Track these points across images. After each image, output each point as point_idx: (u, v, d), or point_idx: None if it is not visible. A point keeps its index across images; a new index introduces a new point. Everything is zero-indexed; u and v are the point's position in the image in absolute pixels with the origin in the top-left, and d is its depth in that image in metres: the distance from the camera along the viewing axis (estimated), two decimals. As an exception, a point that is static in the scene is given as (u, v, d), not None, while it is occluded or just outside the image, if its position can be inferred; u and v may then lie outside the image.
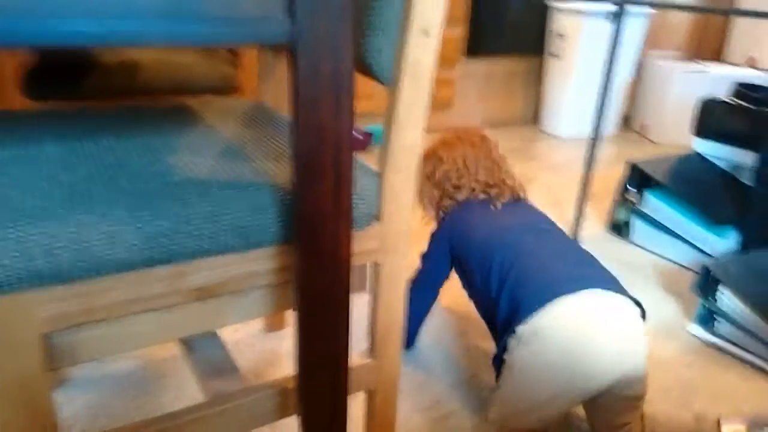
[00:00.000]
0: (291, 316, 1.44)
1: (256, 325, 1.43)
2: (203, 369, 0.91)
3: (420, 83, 0.77)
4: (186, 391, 1.20)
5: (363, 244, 0.81)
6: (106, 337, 0.68)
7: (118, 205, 0.63)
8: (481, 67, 3.27)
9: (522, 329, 1.00)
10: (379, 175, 0.81)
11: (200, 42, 0.56)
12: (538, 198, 2.35)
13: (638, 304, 1.04)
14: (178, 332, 0.72)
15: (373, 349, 0.91)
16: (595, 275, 1.05)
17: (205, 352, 0.95)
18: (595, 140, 1.82)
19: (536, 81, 3.49)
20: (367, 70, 0.78)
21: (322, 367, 0.76)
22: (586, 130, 3.29)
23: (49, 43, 0.50)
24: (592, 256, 1.12)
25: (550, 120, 3.34)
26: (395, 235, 0.84)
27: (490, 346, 1.40)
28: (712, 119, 1.87)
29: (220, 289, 0.72)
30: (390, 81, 0.78)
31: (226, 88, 1.43)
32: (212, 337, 0.99)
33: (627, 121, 3.57)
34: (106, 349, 0.69)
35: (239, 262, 0.72)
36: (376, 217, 0.81)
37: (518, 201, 1.27)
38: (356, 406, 1.14)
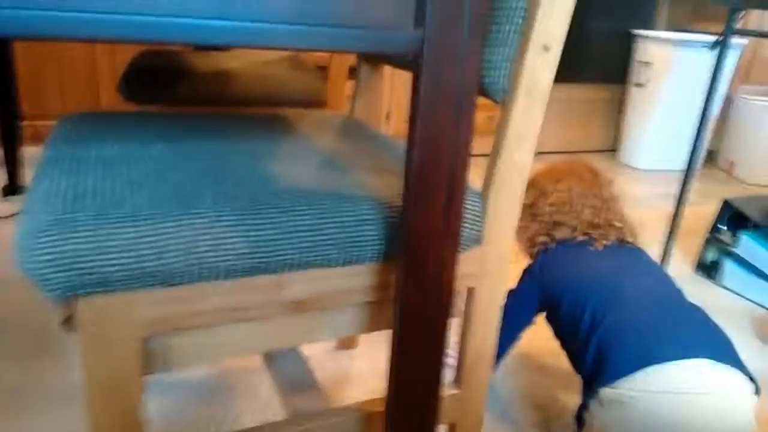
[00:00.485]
0: (363, 336, 1.40)
1: (328, 342, 1.41)
2: (283, 384, 0.89)
3: (535, 100, 0.73)
4: (258, 404, 1.18)
5: (462, 267, 0.78)
6: (202, 344, 0.66)
7: (227, 210, 0.62)
8: (561, 93, 3.19)
9: (605, 392, 0.91)
10: (483, 196, 0.77)
11: (328, 46, 0.54)
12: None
13: (753, 379, 0.90)
14: (271, 344, 0.70)
15: (460, 379, 0.87)
16: (704, 339, 0.92)
17: (286, 367, 0.92)
18: (688, 174, 1.72)
19: (617, 110, 3.38)
20: (480, 86, 0.75)
21: (413, 392, 0.72)
22: (666, 163, 3.16)
23: (181, 39, 0.49)
24: (704, 313, 0.99)
25: (630, 151, 3.22)
26: (495, 259, 0.80)
27: (570, 398, 1.33)
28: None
29: (318, 303, 0.70)
30: (503, 98, 0.74)
31: (315, 102, 1.44)
32: (292, 351, 0.97)
33: (712, 158, 3.40)
34: (200, 356, 0.67)
35: (339, 277, 0.69)
36: (478, 239, 0.77)
37: (625, 245, 1.16)
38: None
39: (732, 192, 2.89)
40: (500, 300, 0.83)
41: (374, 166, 0.81)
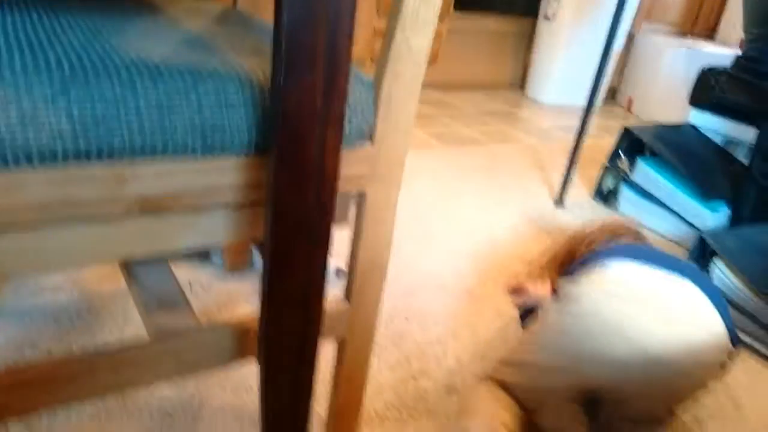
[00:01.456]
0: (258, 254, 1.31)
1: (216, 263, 1.29)
2: (148, 302, 0.78)
3: (435, -27, 0.64)
4: (129, 329, 1.06)
5: (350, 167, 0.68)
6: (27, 248, 0.54)
7: (45, 80, 0.49)
8: (471, 23, 3.11)
9: (568, 287, 0.90)
10: (375, 85, 0.67)
11: None
12: (521, 160, 2.24)
13: (733, 336, 0.88)
14: (118, 250, 0.58)
15: (350, 292, 0.79)
16: (695, 274, 0.91)
17: (152, 284, 0.81)
18: (588, 108, 1.71)
19: (526, 45, 3.36)
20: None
21: (292, 306, 0.64)
22: (571, 98, 3.20)
23: None
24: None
25: (537, 86, 3.23)
26: (389, 160, 0.71)
27: (482, 308, 1.30)
28: (710, 90, 1.78)
29: (172, 202, 0.58)
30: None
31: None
32: (162, 267, 0.86)
33: (613, 94, 3.49)
34: (26, 262, 0.54)
35: (197, 171, 0.58)
36: (368, 136, 0.68)
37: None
38: (325, 354, 1.03)
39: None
40: (394, 206, 0.75)
41: (249, 49, 0.69)
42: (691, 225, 1.69)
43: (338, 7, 0.52)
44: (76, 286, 1.15)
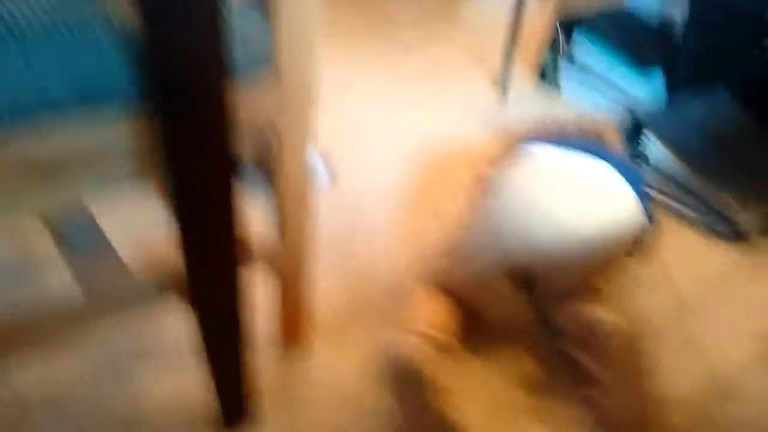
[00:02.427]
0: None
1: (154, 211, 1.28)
2: (77, 261, 0.78)
3: None
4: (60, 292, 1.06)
5: (251, 103, 0.67)
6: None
7: None
8: None
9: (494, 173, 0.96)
10: (271, 14, 0.65)
11: None
12: (461, 58, 2.20)
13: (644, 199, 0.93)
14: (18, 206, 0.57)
15: (280, 234, 0.81)
16: (582, 146, 0.97)
17: (79, 239, 0.81)
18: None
19: None
20: None
21: (209, 257, 0.65)
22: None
23: None
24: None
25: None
26: (296, 91, 0.70)
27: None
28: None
29: (64, 165, 0.57)
30: None
31: None
32: (86, 217, 0.85)
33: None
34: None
35: (82, 132, 0.56)
36: (268, 65, 0.66)
37: None
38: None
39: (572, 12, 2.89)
40: (307, 136, 0.75)
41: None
42: (629, 95, 1.70)
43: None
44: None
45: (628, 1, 1.86)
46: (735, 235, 1.28)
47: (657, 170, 1.37)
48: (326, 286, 1.11)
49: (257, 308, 1.00)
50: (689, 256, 1.26)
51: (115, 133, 0.58)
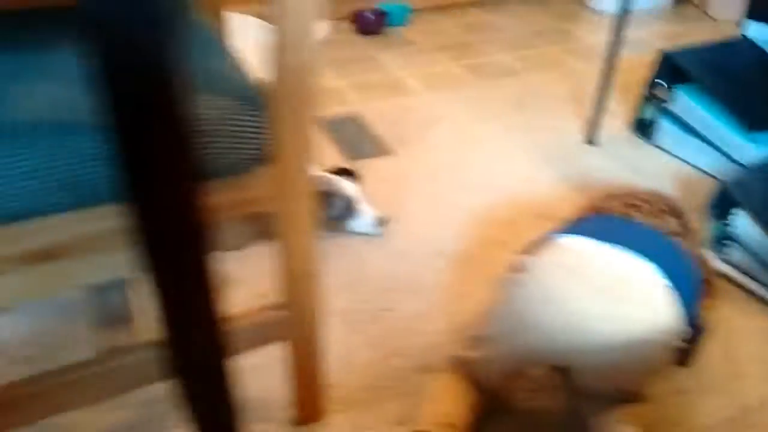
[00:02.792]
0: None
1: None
2: (96, 320, 0.84)
3: None
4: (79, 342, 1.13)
5: (250, 191, 0.68)
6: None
7: None
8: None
9: (522, 258, 0.92)
10: (262, 107, 0.65)
11: None
12: (560, 90, 2.09)
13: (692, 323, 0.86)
14: (15, 298, 0.63)
15: (286, 301, 0.81)
16: (620, 233, 0.90)
17: (103, 301, 0.87)
18: (623, 15, 1.53)
19: (581, -55, 3.03)
20: None
21: (189, 330, 0.66)
22: (640, 2, 2.88)
23: None
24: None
25: (596, -8, 2.93)
26: (292, 177, 0.70)
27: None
28: (768, -3, 1.54)
29: (59, 252, 0.61)
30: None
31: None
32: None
33: (686, -8, 3.11)
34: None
35: (78, 221, 0.60)
36: (262, 159, 0.67)
37: None
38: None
39: (702, 34, 2.66)
40: (310, 216, 0.74)
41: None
42: (732, 160, 1.53)
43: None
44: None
45: (749, 30, 1.67)
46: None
47: (748, 252, 1.21)
48: (351, 351, 1.10)
49: (273, 381, 1.02)
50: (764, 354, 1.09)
51: (99, 225, 0.61)
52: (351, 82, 2.15)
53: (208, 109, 0.62)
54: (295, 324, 0.82)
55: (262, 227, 0.74)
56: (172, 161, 0.54)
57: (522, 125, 1.86)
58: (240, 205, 0.68)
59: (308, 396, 0.94)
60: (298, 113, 0.65)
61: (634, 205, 1.13)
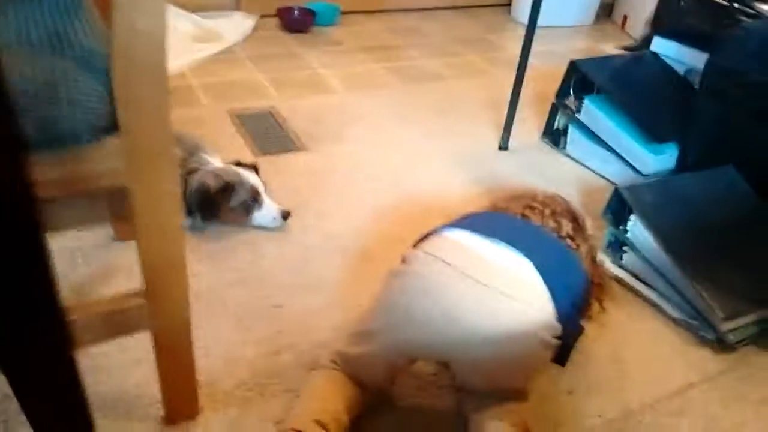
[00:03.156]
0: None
1: (104, 231, 1.26)
2: None
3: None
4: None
5: (93, 163, 0.62)
6: None
7: None
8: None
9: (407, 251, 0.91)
10: (107, 73, 0.60)
11: None
12: (481, 97, 2.11)
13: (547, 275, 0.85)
14: None
15: (146, 290, 0.75)
16: (504, 230, 0.90)
17: None
18: (531, 27, 1.56)
19: (510, -41, 3.10)
20: None
21: (20, 320, 0.59)
22: (561, 18, 2.97)
23: None
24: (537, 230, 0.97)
25: (522, 5, 3.00)
26: (147, 150, 0.64)
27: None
28: (671, 14, 1.60)
29: None
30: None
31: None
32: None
33: (609, 11, 3.23)
34: None
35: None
36: (108, 129, 0.62)
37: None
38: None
39: (617, 48, 2.76)
40: (171, 199, 0.69)
41: None
42: (635, 169, 1.57)
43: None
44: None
45: (655, 46, 1.73)
46: (719, 342, 1.13)
47: (641, 258, 1.23)
48: (238, 347, 1.04)
49: (147, 377, 0.96)
50: (657, 361, 1.11)
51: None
52: (271, 78, 2.10)
53: (41, 70, 0.56)
54: (156, 313, 0.76)
55: (113, 206, 0.68)
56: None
57: (440, 129, 1.86)
58: (82, 179, 0.62)
59: (178, 391, 0.88)
60: (150, 79, 0.60)
61: (531, 207, 1.14)
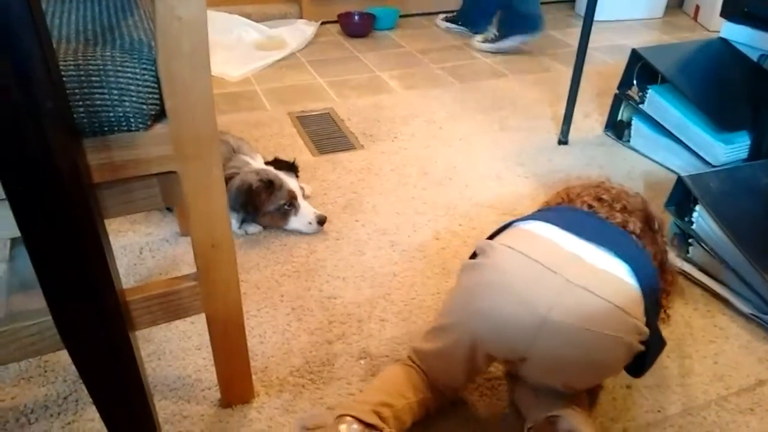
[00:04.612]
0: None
1: (172, 228, 1.33)
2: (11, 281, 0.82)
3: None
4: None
5: (143, 149, 0.66)
6: None
7: None
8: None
9: (482, 243, 0.86)
10: (155, 62, 0.64)
11: None
12: (542, 92, 2.07)
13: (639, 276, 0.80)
14: None
15: (198, 272, 0.78)
16: (594, 230, 0.85)
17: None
18: (589, 18, 1.52)
19: (574, -46, 3.03)
20: None
21: (77, 299, 0.64)
22: (630, 12, 2.87)
23: None
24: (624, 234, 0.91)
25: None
26: (193, 137, 0.68)
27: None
28: (742, -3, 1.52)
29: None
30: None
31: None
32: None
33: (680, 2, 3.09)
34: None
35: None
36: (156, 116, 0.65)
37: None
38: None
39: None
40: (218, 183, 0.72)
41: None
42: (704, 160, 1.49)
43: None
44: None
45: (724, 32, 1.64)
46: (794, 338, 1.05)
47: (708, 250, 1.17)
48: (292, 336, 1.07)
49: (204, 362, 1.00)
50: (724, 357, 1.05)
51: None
52: (331, 81, 2.14)
53: (92, 59, 0.60)
54: (208, 295, 0.80)
55: (164, 191, 0.72)
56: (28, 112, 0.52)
57: (497, 125, 1.84)
58: (133, 164, 0.66)
59: (233, 375, 0.91)
60: (192, 66, 0.63)
61: (600, 199, 1.10)
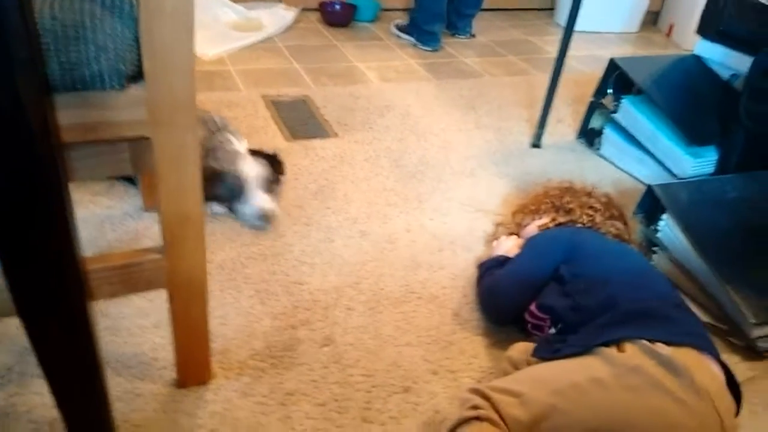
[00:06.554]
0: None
1: (135, 202, 1.29)
2: None
3: None
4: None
5: (117, 111, 0.63)
6: None
7: None
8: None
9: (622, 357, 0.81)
10: (136, 20, 0.61)
11: None
12: (517, 95, 2.08)
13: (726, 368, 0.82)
14: None
15: (164, 245, 0.76)
16: (687, 327, 0.85)
17: None
18: (569, 28, 1.54)
19: (556, -37, 3.06)
20: None
21: (38, 262, 0.60)
22: (603, 24, 2.92)
23: None
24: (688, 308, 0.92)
25: (566, 10, 2.96)
26: (170, 102, 0.65)
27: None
28: (717, 16, 1.56)
29: None
30: None
31: None
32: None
33: (654, 19, 3.16)
34: None
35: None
36: (132, 77, 0.62)
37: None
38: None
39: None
40: (192, 151, 0.69)
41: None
42: (671, 172, 1.52)
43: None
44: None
45: (698, 49, 1.68)
46: (748, 349, 1.08)
47: (671, 259, 1.19)
48: (256, 319, 1.05)
49: (162, 340, 0.97)
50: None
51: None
52: (308, 68, 2.11)
53: (69, 12, 0.57)
54: (172, 270, 0.77)
55: (134, 158, 0.69)
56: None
57: (471, 123, 1.84)
58: (105, 126, 0.63)
59: (191, 355, 0.89)
60: (175, 28, 0.61)
61: (593, 208, 1.12)
